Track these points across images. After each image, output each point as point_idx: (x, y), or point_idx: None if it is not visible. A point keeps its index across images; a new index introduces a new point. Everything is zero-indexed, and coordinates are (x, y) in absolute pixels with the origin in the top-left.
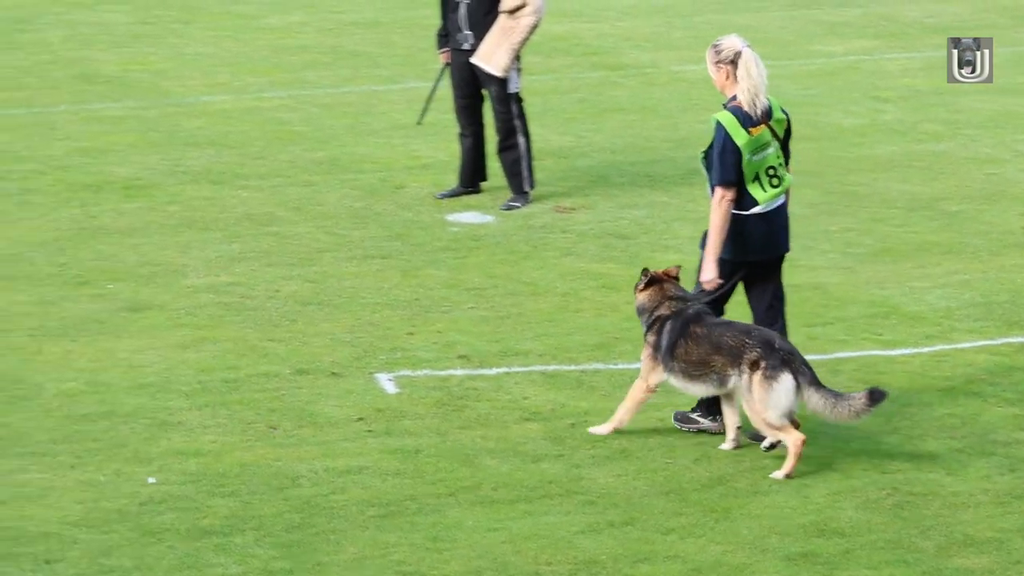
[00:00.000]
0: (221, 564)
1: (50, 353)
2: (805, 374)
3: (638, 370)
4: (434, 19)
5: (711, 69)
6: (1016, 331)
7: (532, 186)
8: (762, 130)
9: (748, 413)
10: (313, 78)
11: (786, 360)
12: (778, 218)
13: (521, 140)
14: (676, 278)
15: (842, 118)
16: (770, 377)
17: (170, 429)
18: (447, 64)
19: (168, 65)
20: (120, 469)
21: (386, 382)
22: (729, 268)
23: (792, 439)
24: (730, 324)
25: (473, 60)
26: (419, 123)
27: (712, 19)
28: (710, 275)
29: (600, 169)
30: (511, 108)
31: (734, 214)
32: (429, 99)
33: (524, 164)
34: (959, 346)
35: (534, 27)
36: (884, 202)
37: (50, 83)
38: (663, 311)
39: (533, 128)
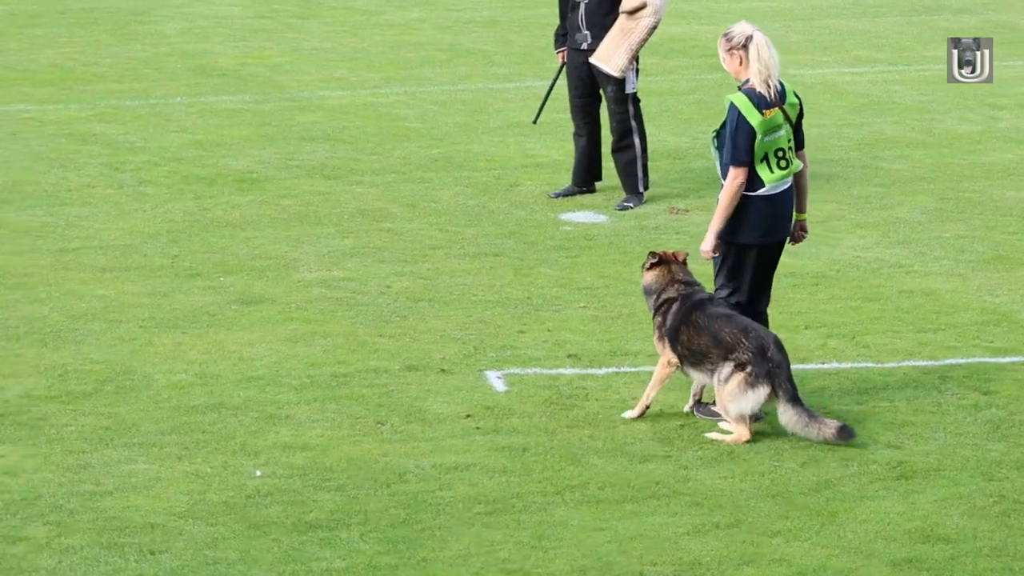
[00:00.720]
0: (326, 558)
1: (160, 345)
2: (787, 390)
3: None
4: (552, 18)
5: (724, 58)
6: None
7: (646, 187)
8: (775, 112)
9: (716, 394)
10: (430, 75)
11: (771, 373)
12: (784, 202)
13: (636, 140)
14: (683, 262)
15: (957, 125)
16: (750, 383)
17: (278, 422)
18: (564, 63)
19: (284, 59)
20: (227, 461)
21: (495, 380)
22: (735, 250)
23: (739, 434)
24: (731, 318)
25: (591, 60)
26: (535, 122)
27: (830, 24)
28: (708, 246)
29: (715, 171)
30: (627, 108)
31: (741, 195)
32: (545, 98)
33: (639, 164)
34: None
35: (653, 28)
36: (998, 209)
37: (167, 75)
38: (670, 293)
39: (649, 129)
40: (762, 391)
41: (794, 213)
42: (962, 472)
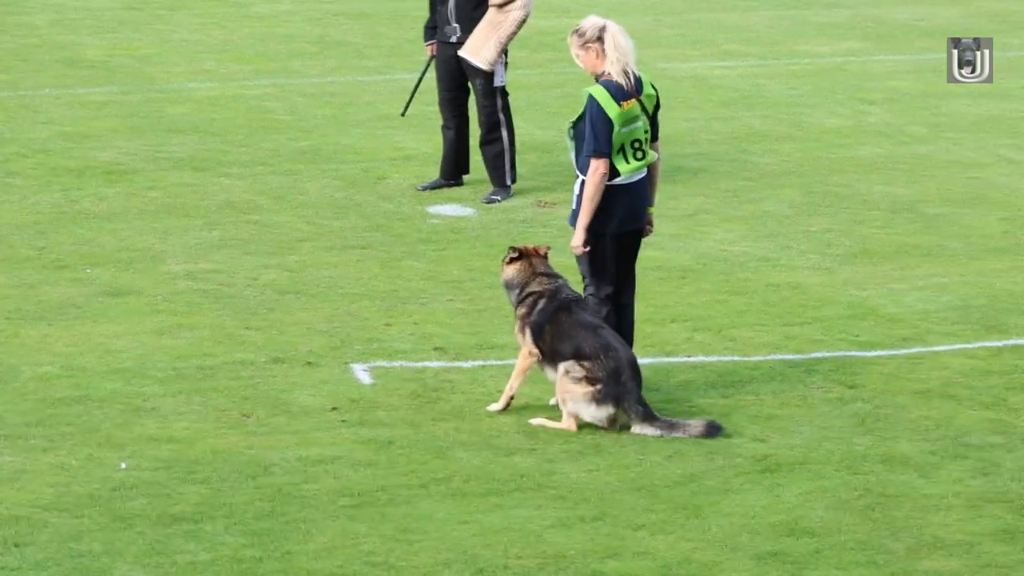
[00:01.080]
0: (191, 551)
1: (27, 336)
2: (638, 411)
3: None
4: (422, 11)
5: (578, 55)
6: (993, 335)
7: (514, 180)
8: (632, 103)
9: (558, 384)
10: (299, 67)
11: (620, 397)
12: (640, 191)
13: (504, 134)
14: (544, 256)
15: (827, 119)
16: (596, 400)
17: (144, 415)
18: (433, 56)
19: (153, 51)
20: (93, 454)
21: (361, 372)
22: (594, 239)
23: (567, 425)
24: (596, 330)
25: (460, 53)
26: (403, 115)
27: (701, 17)
28: (578, 241)
29: None
30: (496, 102)
31: None
32: (414, 91)
33: (506, 158)
34: (935, 349)
35: (522, 22)
36: (865, 203)
37: (35, 66)
38: (534, 287)
39: (517, 122)
40: (605, 411)
41: None
42: (827, 465)
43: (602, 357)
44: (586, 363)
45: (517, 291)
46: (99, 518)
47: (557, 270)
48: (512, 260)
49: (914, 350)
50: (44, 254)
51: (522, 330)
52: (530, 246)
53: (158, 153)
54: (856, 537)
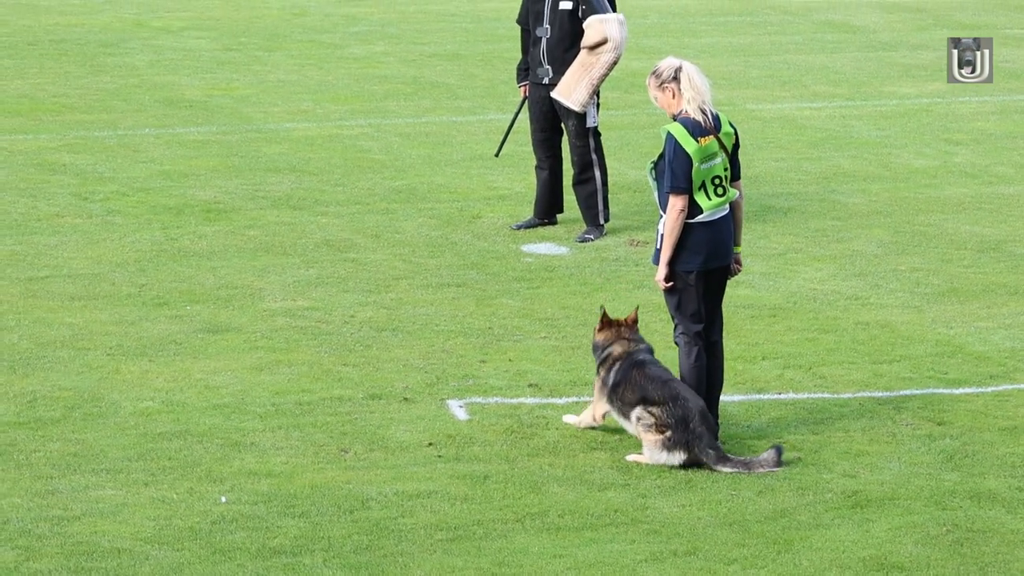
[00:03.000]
0: None
1: (128, 372)
2: (709, 455)
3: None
4: (515, 53)
5: (656, 96)
6: None
7: (607, 219)
8: (710, 140)
9: (635, 432)
10: (394, 108)
11: (690, 443)
12: (724, 228)
13: (597, 174)
14: (633, 323)
15: (914, 159)
16: (667, 447)
17: (243, 450)
18: (526, 97)
19: (251, 91)
20: (193, 488)
21: (457, 409)
22: (680, 277)
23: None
24: (666, 383)
25: (552, 95)
26: (497, 155)
27: (789, 59)
28: (660, 276)
29: None
30: (588, 142)
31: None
32: (507, 131)
33: (599, 197)
34: (1022, 386)
35: (614, 63)
36: (953, 243)
37: (135, 106)
38: (615, 350)
39: (609, 162)
40: (677, 457)
41: None
42: (916, 501)
43: (670, 405)
44: (654, 409)
45: (600, 352)
46: (199, 551)
47: (642, 335)
48: (601, 328)
49: (1002, 388)
50: (145, 291)
51: (599, 391)
52: (621, 318)
53: (256, 192)
54: (944, 572)
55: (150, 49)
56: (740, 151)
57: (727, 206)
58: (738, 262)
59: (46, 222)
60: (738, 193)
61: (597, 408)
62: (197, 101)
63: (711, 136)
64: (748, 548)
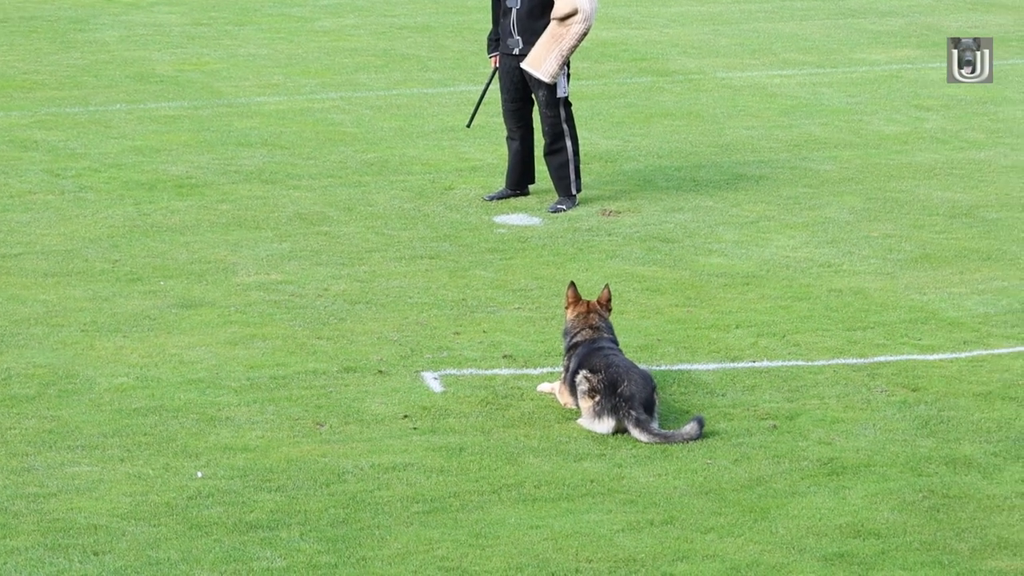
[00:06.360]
0: (266, 558)
1: (102, 348)
2: (631, 417)
3: (680, 371)
4: (485, 24)
5: None
6: None
7: (579, 189)
8: None
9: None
10: (365, 80)
11: (616, 407)
12: None
13: (568, 144)
14: (605, 303)
15: (884, 126)
16: (596, 413)
17: (218, 424)
18: (497, 68)
19: (222, 66)
20: (169, 463)
21: (432, 381)
22: None
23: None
24: (607, 355)
25: (522, 66)
26: (468, 126)
27: (758, 27)
28: None
29: (646, 173)
30: (559, 112)
31: None
32: (479, 102)
33: (571, 167)
34: (996, 352)
35: (584, 34)
36: (925, 209)
37: (106, 82)
38: (579, 338)
39: (581, 132)
40: (606, 423)
41: None
42: (892, 468)
43: (603, 372)
44: (590, 375)
45: (568, 338)
46: (176, 526)
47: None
48: (569, 304)
49: (975, 353)
50: (118, 267)
51: (562, 380)
52: (592, 300)
53: (228, 166)
54: (921, 538)
55: (120, 25)
56: (711, 119)
57: None
58: None
59: (18, 199)
60: None
61: (562, 398)
62: (168, 76)
63: None
64: (724, 517)
